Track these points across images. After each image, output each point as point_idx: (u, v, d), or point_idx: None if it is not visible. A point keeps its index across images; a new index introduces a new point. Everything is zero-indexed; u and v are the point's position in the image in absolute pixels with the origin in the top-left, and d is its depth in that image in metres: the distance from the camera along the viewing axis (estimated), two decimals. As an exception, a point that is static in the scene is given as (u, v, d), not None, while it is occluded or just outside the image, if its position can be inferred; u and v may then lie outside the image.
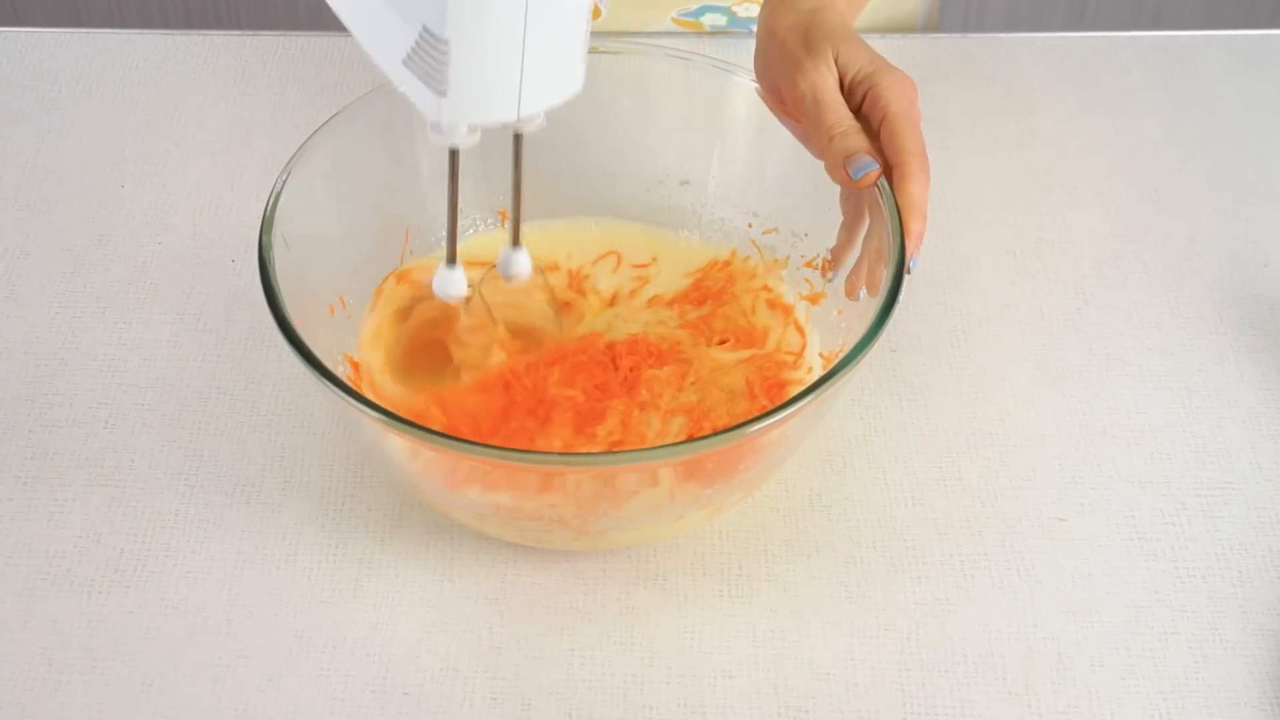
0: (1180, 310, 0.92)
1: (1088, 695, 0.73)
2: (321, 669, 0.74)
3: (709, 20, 1.10)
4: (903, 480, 0.82)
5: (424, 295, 0.81)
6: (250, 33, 1.11)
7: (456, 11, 0.55)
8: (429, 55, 0.56)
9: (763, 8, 0.82)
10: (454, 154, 0.64)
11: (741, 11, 1.09)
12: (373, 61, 0.61)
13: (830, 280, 0.82)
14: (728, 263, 0.87)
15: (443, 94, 0.57)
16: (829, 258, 0.82)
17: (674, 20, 1.10)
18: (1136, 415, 0.86)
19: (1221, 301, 0.92)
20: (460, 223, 0.86)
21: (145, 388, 0.86)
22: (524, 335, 0.81)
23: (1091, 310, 0.92)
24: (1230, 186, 1.00)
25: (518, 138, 0.66)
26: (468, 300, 0.75)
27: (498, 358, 0.79)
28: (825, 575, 0.78)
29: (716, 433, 0.66)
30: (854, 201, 0.79)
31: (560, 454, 0.74)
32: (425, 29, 0.56)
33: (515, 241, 0.71)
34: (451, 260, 0.69)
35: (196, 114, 1.04)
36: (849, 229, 0.80)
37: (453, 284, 0.69)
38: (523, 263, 0.71)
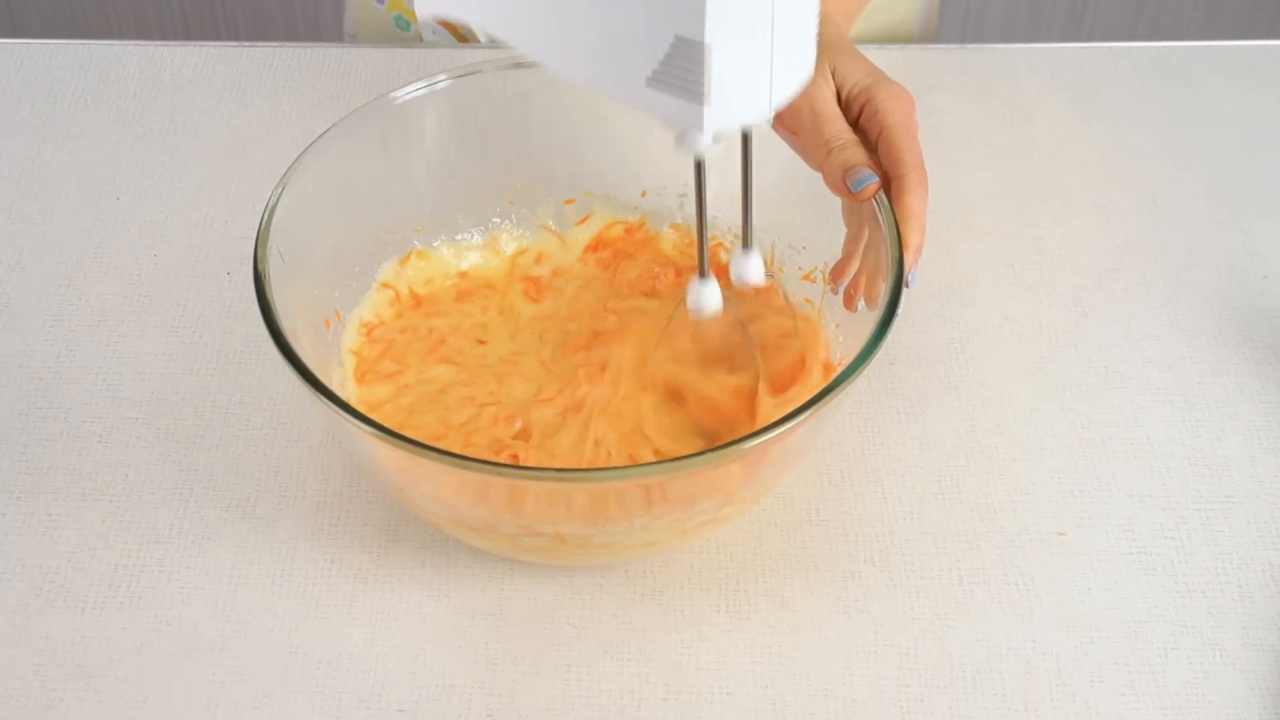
0: (1179, 322, 0.91)
1: (1087, 711, 0.73)
2: (316, 685, 0.73)
3: None
4: (901, 494, 0.82)
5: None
6: (246, 44, 1.10)
7: (714, 13, 0.54)
8: (685, 65, 0.56)
9: (760, 20, 0.81)
10: (699, 165, 0.64)
11: None
12: (602, 92, 0.59)
13: (836, 293, 0.82)
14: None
15: (704, 103, 0.56)
16: (832, 270, 0.82)
17: None
18: (1135, 428, 0.86)
19: (1220, 314, 0.92)
20: (452, 219, 0.87)
21: (140, 401, 0.86)
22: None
23: (1090, 322, 0.91)
24: (1229, 198, 1.00)
25: (746, 137, 0.65)
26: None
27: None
28: (823, 590, 0.78)
29: (713, 449, 0.66)
30: (856, 214, 0.79)
31: (554, 470, 0.74)
32: (679, 38, 0.55)
33: (746, 243, 0.70)
34: (703, 273, 0.68)
35: (192, 125, 1.04)
36: (854, 242, 0.80)
37: (708, 297, 0.69)
38: (756, 266, 0.70)
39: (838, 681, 0.74)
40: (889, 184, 0.74)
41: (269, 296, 0.71)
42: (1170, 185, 1.01)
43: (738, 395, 0.77)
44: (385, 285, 0.85)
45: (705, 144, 0.59)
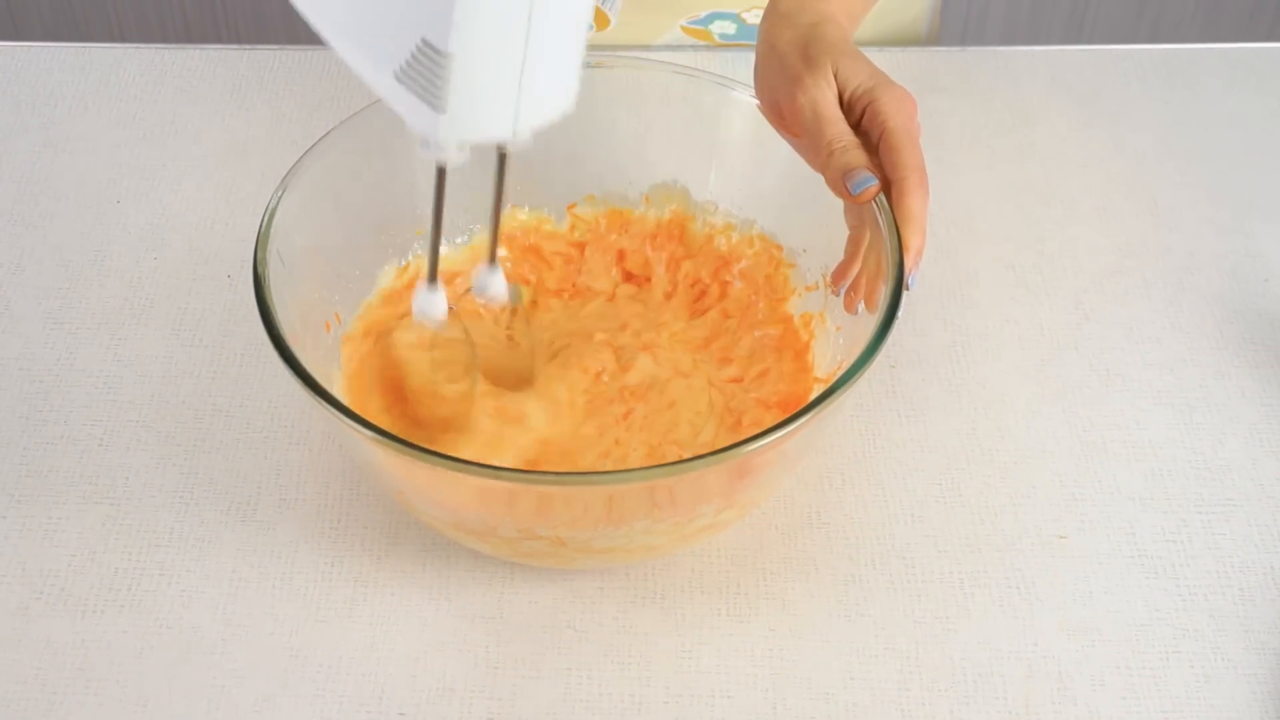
0: (1180, 325, 0.91)
1: (1089, 715, 0.73)
2: (317, 689, 0.73)
3: (717, 28, 1.10)
4: (902, 497, 0.82)
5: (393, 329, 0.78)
6: (247, 47, 1.10)
7: (461, 24, 0.53)
8: (427, 69, 0.55)
9: (762, 22, 0.82)
10: (441, 171, 0.63)
11: (750, 18, 1.09)
12: (358, 75, 0.58)
13: (837, 294, 0.82)
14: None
15: (440, 110, 0.55)
16: (834, 272, 0.82)
17: (683, 29, 1.10)
18: (1137, 431, 0.85)
19: (1222, 316, 0.92)
20: (453, 221, 0.87)
21: (140, 404, 0.86)
22: (498, 374, 0.79)
23: (1091, 325, 0.91)
24: (1230, 200, 1.00)
25: (503, 156, 0.64)
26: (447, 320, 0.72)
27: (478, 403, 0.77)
28: (824, 593, 0.77)
29: (714, 452, 0.66)
30: (858, 216, 0.79)
31: (553, 474, 0.74)
32: (425, 41, 0.54)
33: (491, 259, 0.68)
34: (432, 279, 0.66)
35: (193, 128, 1.04)
36: (855, 244, 0.79)
37: (433, 305, 0.67)
38: (499, 284, 0.68)
39: (839, 685, 0.74)
40: (890, 186, 0.74)
41: (269, 300, 0.71)
42: (1171, 188, 1.01)
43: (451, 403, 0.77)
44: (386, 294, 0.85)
45: (451, 151, 0.58)
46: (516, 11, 0.54)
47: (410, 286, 0.85)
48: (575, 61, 0.58)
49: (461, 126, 0.56)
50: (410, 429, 0.76)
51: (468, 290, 0.69)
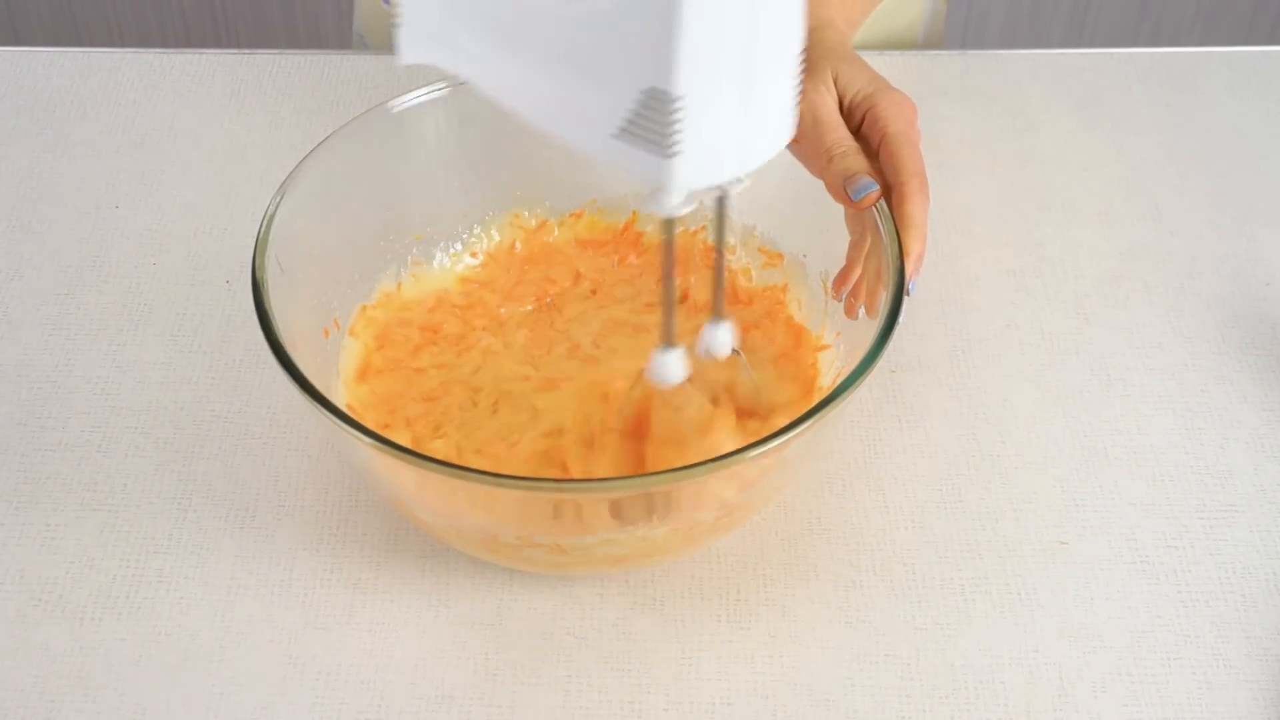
0: (1182, 330, 0.91)
1: (1090, 721, 0.73)
2: (315, 697, 0.73)
3: None
4: (902, 503, 0.82)
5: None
6: (246, 51, 1.10)
7: (686, 63, 0.52)
8: (655, 117, 0.53)
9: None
10: (669, 224, 0.61)
11: None
12: (572, 146, 0.57)
13: (839, 300, 0.81)
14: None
15: (672, 156, 0.53)
16: (835, 278, 0.81)
17: None
18: (1138, 436, 0.85)
19: (1223, 321, 0.92)
20: (452, 227, 0.87)
21: (139, 411, 0.85)
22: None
23: (1092, 330, 0.91)
24: (1232, 204, 1.00)
25: (721, 199, 0.62)
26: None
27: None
28: (825, 600, 0.77)
29: (714, 459, 0.65)
30: (859, 222, 0.78)
31: (553, 480, 0.73)
32: (652, 89, 0.53)
33: (719, 313, 0.66)
34: (670, 342, 0.65)
35: (192, 133, 1.04)
36: (855, 249, 0.79)
37: (670, 368, 0.66)
38: (725, 337, 0.67)
39: (839, 692, 0.73)
40: (890, 192, 0.74)
41: (267, 306, 0.71)
42: (1173, 192, 1.01)
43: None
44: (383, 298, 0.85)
45: (675, 202, 0.56)
46: (739, 41, 0.53)
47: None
48: (792, 90, 0.57)
49: (692, 171, 0.55)
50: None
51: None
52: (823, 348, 0.82)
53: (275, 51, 1.10)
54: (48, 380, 0.87)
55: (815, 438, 0.70)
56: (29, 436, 0.84)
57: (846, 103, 0.76)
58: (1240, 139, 1.05)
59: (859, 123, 0.76)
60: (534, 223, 0.89)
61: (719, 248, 0.65)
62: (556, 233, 0.89)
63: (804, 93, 0.75)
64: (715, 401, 0.74)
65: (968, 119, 1.06)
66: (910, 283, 0.73)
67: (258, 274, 0.72)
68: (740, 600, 0.77)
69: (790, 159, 0.80)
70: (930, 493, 0.82)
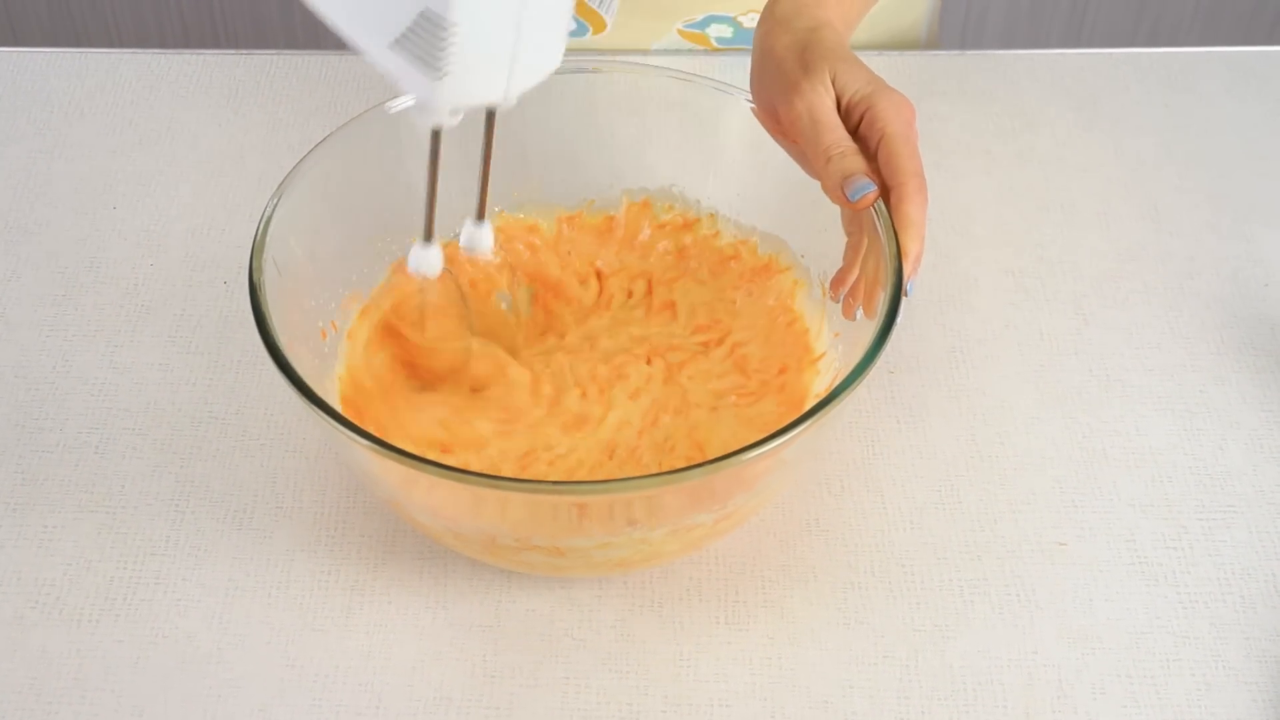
0: (1181, 330, 0.91)
1: (1089, 723, 0.73)
2: (313, 699, 0.73)
3: (714, 31, 1.09)
4: (901, 504, 0.82)
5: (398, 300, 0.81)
6: (244, 52, 1.10)
7: None
8: (427, 38, 0.56)
9: (758, 27, 0.81)
10: (435, 134, 0.64)
11: (747, 21, 1.08)
12: (351, 43, 0.60)
13: (837, 300, 0.81)
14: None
15: (440, 77, 0.57)
16: (833, 279, 0.81)
17: (679, 32, 1.10)
18: (1137, 437, 0.85)
19: (1222, 321, 0.92)
20: (450, 228, 0.86)
21: (136, 412, 0.85)
22: (489, 332, 0.81)
23: (1091, 330, 0.91)
24: (1230, 205, 0.99)
25: (491, 115, 0.66)
26: (440, 279, 0.75)
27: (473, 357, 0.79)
28: (823, 601, 0.77)
29: (711, 460, 0.65)
30: (856, 222, 0.78)
31: (550, 482, 0.73)
32: (427, 10, 0.55)
33: (481, 215, 0.71)
34: (428, 237, 0.69)
35: (189, 134, 1.03)
36: (853, 250, 0.79)
37: (428, 261, 0.70)
38: (486, 239, 0.71)
39: (837, 693, 0.73)
40: (888, 192, 0.74)
41: (264, 307, 0.71)
42: (1171, 192, 1.01)
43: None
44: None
45: (443, 116, 0.60)
46: None
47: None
48: (564, 23, 0.60)
49: (457, 91, 0.58)
50: (414, 385, 0.79)
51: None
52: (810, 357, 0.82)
53: (273, 52, 1.10)
54: (45, 381, 0.87)
55: (813, 439, 0.69)
56: (26, 438, 0.84)
57: (844, 103, 0.76)
58: (1239, 139, 1.05)
59: (857, 123, 0.75)
60: (531, 224, 0.89)
61: (487, 159, 0.68)
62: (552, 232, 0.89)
63: (802, 93, 0.75)
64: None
65: (966, 119, 1.06)
66: (908, 283, 0.73)
67: (255, 275, 0.72)
68: (738, 602, 0.77)
69: (788, 159, 0.80)
70: (929, 494, 0.82)
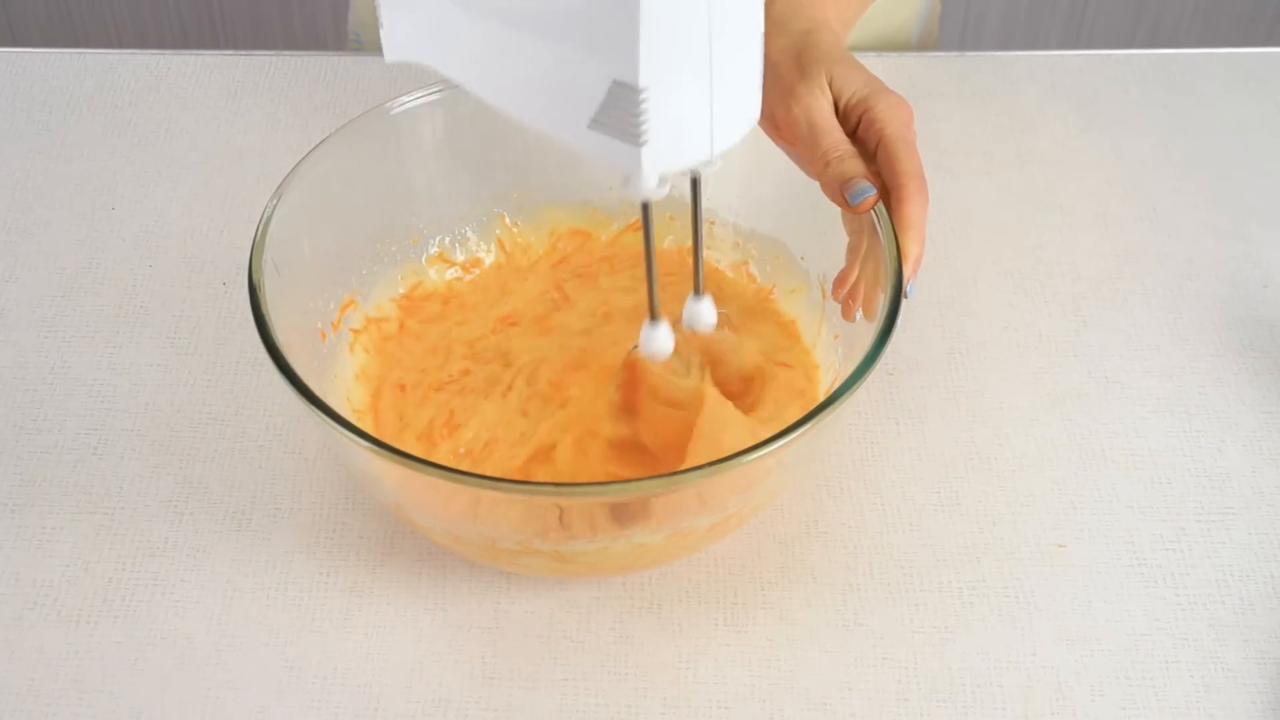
0: (1180, 332, 0.91)
1: (1088, 725, 0.73)
2: (312, 700, 0.73)
3: None
4: (900, 506, 0.81)
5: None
6: (243, 52, 1.10)
7: (648, 56, 0.54)
8: (622, 109, 0.55)
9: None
10: (646, 208, 0.62)
11: None
12: (556, 139, 0.59)
13: (838, 302, 0.81)
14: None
15: (642, 144, 0.56)
16: (835, 280, 0.81)
17: None
18: (1136, 439, 0.85)
19: (1221, 323, 0.92)
20: (449, 229, 0.87)
21: (135, 413, 0.85)
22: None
23: (1090, 332, 0.91)
24: (1229, 206, 0.99)
25: (696, 181, 0.64)
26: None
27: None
28: (822, 603, 0.77)
29: (711, 463, 0.65)
30: (857, 224, 0.78)
31: (550, 484, 0.73)
32: (616, 82, 0.55)
33: (698, 289, 0.68)
34: (654, 316, 0.67)
35: (188, 135, 1.03)
36: (855, 251, 0.79)
37: (659, 341, 0.67)
38: (708, 313, 0.68)
39: (836, 695, 0.73)
40: (888, 194, 0.74)
41: (264, 308, 0.71)
42: (1170, 193, 1.01)
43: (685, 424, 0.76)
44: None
45: (650, 186, 0.59)
46: (697, 33, 0.55)
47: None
48: (756, 71, 0.59)
49: (663, 157, 0.57)
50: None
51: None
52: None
53: (272, 53, 1.10)
54: (44, 383, 0.87)
55: (813, 441, 0.69)
56: (25, 439, 0.84)
57: (842, 105, 0.76)
58: (1238, 140, 1.05)
59: (855, 125, 0.75)
60: (532, 227, 0.89)
61: (697, 227, 0.66)
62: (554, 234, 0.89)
63: (799, 96, 0.75)
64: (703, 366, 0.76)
65: (965, 121, 1.06)
66: (908, 285, 0.73)
67: (254, 276, 0.72)
68: (737, 604, 0.77)
69: (787, 161, 0.80)
70: (928, 496, 0.82)
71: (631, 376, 0.77)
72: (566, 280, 0.87)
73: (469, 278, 0.88)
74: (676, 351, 0.71)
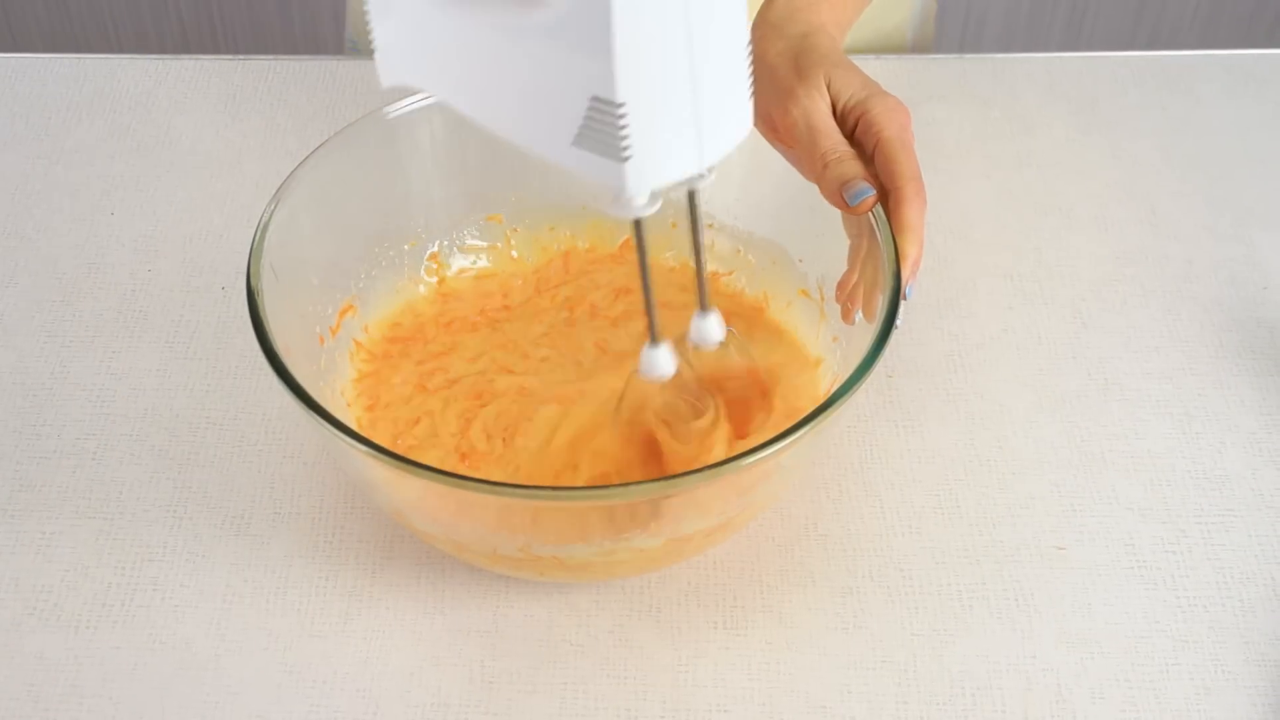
0: (1179, 334, 0.91)
1: (1088, 728, 0.72)
2: (311, 705, 0.73)
3: None
4: (899, 508, 0.81)
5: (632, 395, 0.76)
6: (241, 57, 1.10)
7: (625, 70, 0.53)
8: (603, 124, 0.54)
9: (751, 33, 0.81)
10: (638, 225, 0.62)
11: None
12: (542, 157, 0.58)
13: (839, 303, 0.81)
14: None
15: (625, 159, 0.55)
16: (839, 283, 0.81)
17: None
18: (1135, 441, 0.85)
19: (1221, 325, 0.91)
20: (447, 233, 0.87)
21: (134, 418, 0.85)
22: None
23: (1090, 334, 0.91)
24: (1229, 208, 0.99)
25: (692, 194, 0.63)
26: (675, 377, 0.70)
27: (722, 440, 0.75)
28: (821, 606, 0.77)
29: (711, 465, 0.65)
30: (857, 228, 0.78)
31: (550, 488, 0.73)
32: (595, 98, 0.54)
33: (703, 305, 0.67)
34: (654, 339, 0.66)
35: (187, 139, 1.03)
36: (857, 253, 0.79)
37: (659, 363, 0.66)
38: (714, 329, 0.67)
39: (836, 699, 0.73)
40: (886, 197, 0.74)
41: (262, 313, 0.71)
42: (1170, 196, 1.00)
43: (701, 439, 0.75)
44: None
45: (639, 203, 0.57)
46: (676, 45, 0.54)
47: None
48: (744, 83, 0.58)
49: (650, 172, 0.56)
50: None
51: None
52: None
53: (271, 57, 1.10)
54: (43, 387, 0.87)
55: (812, 444, 0.69)
56: (24, 444, 0.84)
57: (840, 108, 0.76)
58: (1237, 142, 1.05)
59: (853, 128, 0.75)
60: (531, 230, 0.89)
61: (697, 241, 0.65)
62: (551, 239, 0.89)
63: (797, 99, 0.75)
64: (718, 392, 0.75)
65: (964, 123, 1.06)
66: (907, 287, 0.73)
67: (253, 281, 0.72)
68: (737, 607, 0.77)
69: (785, 164, 0.80)
70: (927, 498, 0.82)
71: (640, 415, 0.75)
72: (566, 288, 0.88)
73: (468, 277, 0.88)
74: (692, 389, 0.70)
